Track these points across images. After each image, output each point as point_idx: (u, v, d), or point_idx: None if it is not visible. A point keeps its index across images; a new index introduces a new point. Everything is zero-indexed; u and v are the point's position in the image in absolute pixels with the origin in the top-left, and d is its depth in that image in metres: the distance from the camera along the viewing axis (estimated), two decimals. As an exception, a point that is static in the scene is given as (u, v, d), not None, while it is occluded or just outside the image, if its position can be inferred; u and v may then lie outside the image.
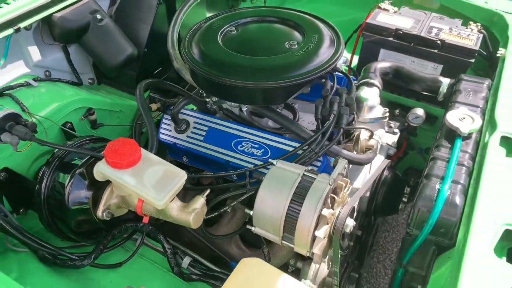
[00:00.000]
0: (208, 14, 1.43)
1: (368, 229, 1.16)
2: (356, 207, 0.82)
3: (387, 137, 1.14)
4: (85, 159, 0.84)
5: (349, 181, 0.76)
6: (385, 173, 1.05)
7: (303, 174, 0.75)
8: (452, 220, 0.72)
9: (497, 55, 1.17)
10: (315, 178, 0.74)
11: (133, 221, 0.90)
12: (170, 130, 1.03)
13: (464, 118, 0.87)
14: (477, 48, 1.15)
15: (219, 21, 1.05)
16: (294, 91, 0.92)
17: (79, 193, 0.84)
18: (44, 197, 0.85)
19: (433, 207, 0.73)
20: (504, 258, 0.70)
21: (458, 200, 0.73)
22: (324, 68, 0.90)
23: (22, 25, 0.96)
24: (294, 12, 1.09)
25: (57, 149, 0.86)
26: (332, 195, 0.74)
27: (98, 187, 0.83)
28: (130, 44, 1.14)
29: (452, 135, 0.86)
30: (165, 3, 1.20)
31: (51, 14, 1.02)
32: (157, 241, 0.96)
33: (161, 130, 1.04)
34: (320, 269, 0.95)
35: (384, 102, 1.30)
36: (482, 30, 1.24)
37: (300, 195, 0.72)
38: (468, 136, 0.85)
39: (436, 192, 0.74)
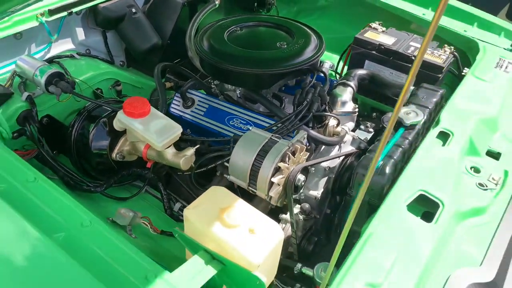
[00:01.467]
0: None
1: (335, 208, 1.36)
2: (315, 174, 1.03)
3: (361, 133, 1.35)
4: (108, 113, 1.09)
5: (305, 147, 0.98)
6: (351, 160, 1.26)
7: (270, 138, 0.97)
8: (381, 182, 0.92)
9: (462, 73, 1.37)
10: (277, 141, 0.96)
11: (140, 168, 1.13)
12: (178, 106, 1.28)
13: (409, 113, 1.07)
14: (444, 65, 1.35)
15: (228, 22, 1.30)
16: (277, 80, 1.15)
17: (100, 139, 1.08)
18: (74, 140, 1.10)
19: (367, 173, 0.93)
20: (418, 217, 0.89)
21: (387, 169, 0.94)
22: (302, 64, 1.14)
23: (74, 10, 1.23)
24: (290, 20, 1.33)
25: (88, 104, 1.11)
26: (291, 155, 0.95)
27: (115, 136, 1.07)
28: (156, 35, 1.41)
29: (398, 125, 1.06)
30: (188, 6, 1.46)
31: (97, 4, 1.30)
32: (156, 190, 1.20)
33: (172, 105, 1.28)
34: (286, 228, 1.15)
35: (366, 107, 1.53)
36: (455, 53, 1.44)
37: (265, 151, 0.94)
38: (411, 127, 1.06)
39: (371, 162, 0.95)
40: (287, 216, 1.10)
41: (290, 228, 1.14)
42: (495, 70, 1.35)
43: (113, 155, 1.06)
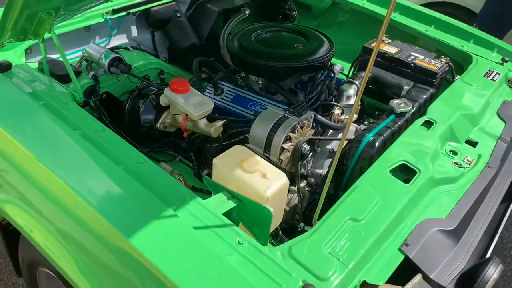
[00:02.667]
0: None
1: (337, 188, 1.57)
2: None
3: (363, 126, 1.57)
4: (155, 91, 1.35)
5: (311, 123, 1.21)
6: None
7: (283, 115, 1.21)
8: (370, 153, 1.14)
9: (454, 80, 1.59)
10: (289, 118, 1.20)
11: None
12: (210, 93, 1.53)
13: (401, 104, 1.29)
14: (439, 72, 1.57)
15: (255, 27, 1.56)
16: (293, 73, 1.40)
17: (148, 112, 1.34)
18: (127, 112, 1.36)
19: (359, 145, 1.16)
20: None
21: (377, 143, 1.15)
22: (314, 61, 1.38)
23: (132, 11, 1.52)
24: (307, 28, 1.59)
25: (139, 84, 1.38)
26: (299, 128, 1.19)
27: (160, 110, 1.33)
28: (195, 36, 1.68)
29: (390, 112, 1.29)
30: (223, 13, 1.74)
31: (149, 8, 1.59)
32: (188, 160, 1.44)
33: (205, 93, 1.54)
34: (293, 198, 1.37)
35: (371, 107, 1.75)
36: (450, 63, 1.66)
37: (278, 124, 1.18)
38: (401, 115, 1.28)
39: (364, 137, 1.17)
40: (294, 188, 1.32)
41: (296, 198, 1.37)
42: (483, 78, 1.57)
43: (157, 125, 1.32)
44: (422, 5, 2.81)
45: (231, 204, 0.97)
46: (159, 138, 1.36)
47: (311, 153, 1.31)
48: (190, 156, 1.38)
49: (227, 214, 0.94)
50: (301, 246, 0.87)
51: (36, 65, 1.33)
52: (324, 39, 1.52)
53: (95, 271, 0.94)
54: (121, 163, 0.98)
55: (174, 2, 1.66)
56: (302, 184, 1.30)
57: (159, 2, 1.61)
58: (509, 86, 1.60)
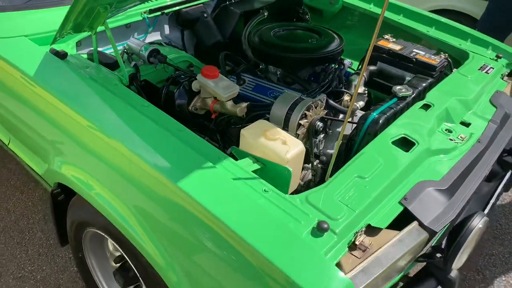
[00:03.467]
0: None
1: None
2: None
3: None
4: (187, 78, 1.55)
5: (324, 105, 1.40)
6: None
7: (300, 96, 1.40)
8: (375, 128, 1.32)
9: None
10: (304, 99, 1.39)
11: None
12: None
13: (402, 89, 1.48)
14: (438, 66, 1.75)
15: (274, 26, 1.77)
16: (307, 64, 1.59)
17: (181, 97, 1.54)
18: (163, 98, 1.56)
19: (366, 121, 1.34)
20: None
21: (380, 120, 1.34)
22: (325, 53, 1.58)
23: (166, 11, 1.74)
24: (320, 26, 1.79)
25: (173, 73, 1.58)
26: (313, 108, 1.37)
27: (191, 95, 1.53)
28: (219, 34, 1.89)
29: (393, 96, 1.47)
30: (244, 15, 1.95)
31: (180, 9, 1.80)
32: (214, 141, 1.63)
33: (228, 83, 1.74)
34: (307, 174, 1.55)
35: (378, 99, 1.92)
36: (448, 59, 1.83)
37: (295, 103, 1.36)
38: (402, 98, 1.46)
39: (370, 115, 1.36)
40: (308, 165, 1.51)
41: (310, 173, 1.54)
42: (478, 71, 1.74)
43: (189, 108, 1.52)
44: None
45: (256, 166, 1.16)
46: (190, 120, 1.56)
47: (323, 135, 1.50)
48: (216, 137, 1.57)
49: (253, 174, 1.12)
50: (316, 195, 1.05)
51: (85, 55, 1.54)
52: (335, 35, 1.71)
53: (149, 221, 1.12)
54: (167, 130, 1.17)
55: (201, 5, 1.88)
56: (315, 162, 1.48)
57: (188, 4, 1.82)
58: (502, 78, 1.78)
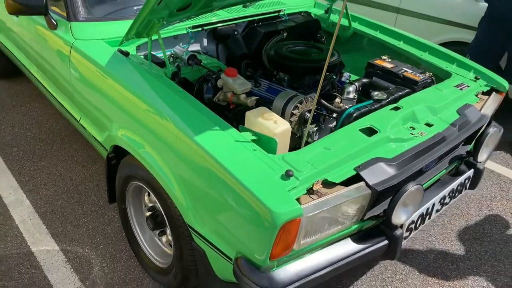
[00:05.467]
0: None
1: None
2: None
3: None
4: (214, 77, 2.03)
5: (313, 100, 1.83)
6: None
7: (295, 94, 1.84)
8: (349, 120, 1.73)
9: (432, 88, 2.13)
10: (298, 95, 1.82)
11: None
12: (252, 85, 2.20)
13: (378, 94, 1.88)
14: (420, 81, 2.10)
15: (286, 43, 2.24)
16: (310, 72, 2.03)
17: (209, 91, 2.03)
18: (195, 91, 2.05)
19: (343, 114, 1.75)
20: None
21: (354, 114, 1.74)
22: (319, 64, 2.01)
23: (205, 28, 2.26)
24: (323, 45, 2.23)
25: (205, 72, 2.07)
26: (304, 102, 1.80)
27: (216, 90, 2.01)
28: (245, 48, 2.38)
29: (370, 98, 1.87)
30: (266, 34, 2.43)
31: (217, 27, 2.32)
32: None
33: (248, 86, 2.22)
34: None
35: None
36: (432, 77, 2.19)
37: (291, 98, 1.80)
38: (377, 101, 1.86)
39: (346, 110, 1.77)
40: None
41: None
42: (453, 88, 2.09)
43: (214, 99, 2.00)
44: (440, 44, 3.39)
45: (254, 138, 1.60)
46: (214, 109, 2.03)
47: (316, 128, 1.92)
48: (234, 124, 2.03)
49: (251, 142, 1.57)
50: (290, 156, 1.47)
51: (142, 56, 2.08)
52: (334, 52, 2.15)
53: (180, 174, 1.57)
54: (197, 110, 1.64)
55: (234, 24, 2.39)
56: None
57: (223, 24, 2.34)
58: (476, 95, 2.12)
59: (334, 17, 2.80)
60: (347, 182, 1.45)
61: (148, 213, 1.99)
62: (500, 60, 3.12)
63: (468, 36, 3.25)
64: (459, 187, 1.92)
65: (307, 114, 1.79)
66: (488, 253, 2.32)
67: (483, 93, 2.16)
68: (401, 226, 1.63)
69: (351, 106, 1.81)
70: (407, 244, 2.35)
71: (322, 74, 1.47)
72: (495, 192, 2.82)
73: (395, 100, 1.92)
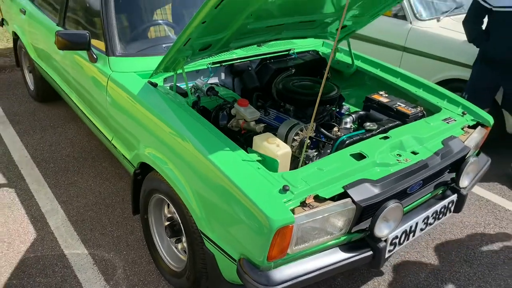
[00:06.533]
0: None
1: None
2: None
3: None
4: (229, 106, 2.35)
5: (313, 128, 2.11)
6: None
7: (297, 122, 2.13)
8: (342, 146, 2.00)
9: (422, 121, 2.39)
10: (299, 124, 2.11)
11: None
12: (262, 114, 2.50)
13: (370, 125, 2.15)
14: (411, 114, 2.37)
15: (293, 78, 2.55)
16: (312, 104, 2.33)
17: (224, 118, 2.34)
18: (212, 118, 2.37)
19: (337, 141, 2.03)
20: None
21: (346, 141, 2.01)
22: (325, 97, 2.31)
23: (223, 64, 2.60)
24: (326, 82, 2.54)
25: (221, 102, 2.39)
26: (304, 129, 2.09)
27: (230, 117, 2.32)
28: (258, 82, 2.70)
29: (362, 128, 2.14)
30: (276, 70, 2.75)
31: (233, 63, 2.66)
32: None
33: (259, 115, 2.53)
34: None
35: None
36: (423, 111, 2.45)
37: (293, 126, 2.10)
38: (368, 131, 2.13)
39: (340, 137, 2.05)
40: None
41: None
42: (441, 121, 2.35)
43: (228, 125, 2.31)
44: (438, 83, 3.67)
45: (259, 158, 1.89)
46: (228, 134, 2.34)
47: (316, 153, 2.20)
48: (244, 147, 2.33)
49: (256, 161, 1.86)
50: (288, 174, 1.75)
51: (168, 87, 2.42)
52: (334, 87, 2.45)
53: (197, 189, 1.87)
54: (213, 134, 1.95)
55: (248, 61, 2.73)
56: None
57: (239, 60, 2.68)
58: (462, 129, 2.36)
59: (339, 55, 3.12)
60: (336, 198, 1.71)
61: (167, 223, 2.27)
62: (495, 95, 3.36)
63: (467, 74, 3.51)
64: (443, 209, 2.15)
65: (307, 140, 2.07)
66: (476, 275, 2.50)
67: (470, 127, 2.41)
68: (386, 240, 1.87)
69: (345, 134, 2.09)
70: (401, 261, 2.55)
71: (316, 105, 1.75)
72: (489, 220, 3.00)
73: (385, 131, 2.19)
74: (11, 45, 5.63)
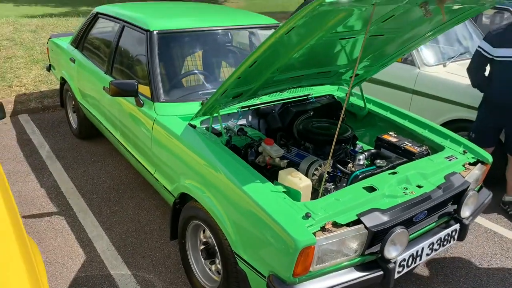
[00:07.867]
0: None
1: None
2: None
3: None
4: (256, 145, 2.71)
5: (330, 164, 2.45)
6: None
7: (316, 159, 2.47)
8: (356, 180, 2.33)
9: (427, 158, 2.71)
10: (318, 160, 2.45)
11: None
12: (284, 151, 2.85)
13: (380, 161, 2.48)
14: (417, 153, 2.69)
15: (312, 120, 2.92)
16: (328, 143, 2.68)
17: (252, 155, 2.70)
18: (242, 155, 2.73)
19: (351, 176, 2.36)
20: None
21: (360, 176, 2.34)
22: (341, 137, 2.66)
23: (250, 108, 2.99)
24: (342, 124, 2.89)
25: (250, 141, 2.76)
26: (323, 165, 2.42)
27: (257, 154, 2.68)
28: (280, 123, 3.08)
29: (373, 165, 2.47)
30: (297, 113, 3.13)
31: (259, 107, 3.05)
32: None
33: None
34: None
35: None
36: (428, 150, 2.77)
37: (313, 162, 2.44)
38: (378, 167, 2.45)
39: (354, 172, 2.38)
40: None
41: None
42: (443, 159, 2.66)
43: (256, 161, 2.67)
44: (445, 122, 4.00)
45: (284, 189, 2.22)
46: (256, 168, 2.70)
47: (334, 186, 2.53)
48: (270, 180, 2.68)
49: (282, 192, 2.20)
50: (310, 203, 2.08)
51: (204, 128, 2.81)
52: (348, 128, 2.81)
53: (232, 215, 2.22)
54: (245, 167, 2.31)
55: (272, 105, 3.12)
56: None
57: (264, 105, 3.07)
58: (463, 166, 2.67)
59: (352, 99, 3.50)
60: (351, 224, 2.03)
61: (202, 246, 2.60)
62: (499, 135, 3.65)
63: (472, 115, 3.83)
64: (447, 237, 2.42)
65: (325, 175, 2.41)
66: (483, 300, 2.72)
67: (471, 164, 2.71)
68: (395, 262, 2.15)
69: (358, 170, 2.42)
70: (412, 287, 2.79)
71: (332, 144, 2.10)
72: (496, 250, 3.23)
73: (394, 167, 2.51)
74: (54, 87, 6.22)
